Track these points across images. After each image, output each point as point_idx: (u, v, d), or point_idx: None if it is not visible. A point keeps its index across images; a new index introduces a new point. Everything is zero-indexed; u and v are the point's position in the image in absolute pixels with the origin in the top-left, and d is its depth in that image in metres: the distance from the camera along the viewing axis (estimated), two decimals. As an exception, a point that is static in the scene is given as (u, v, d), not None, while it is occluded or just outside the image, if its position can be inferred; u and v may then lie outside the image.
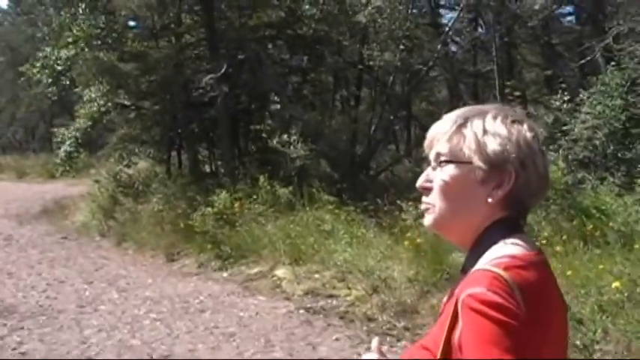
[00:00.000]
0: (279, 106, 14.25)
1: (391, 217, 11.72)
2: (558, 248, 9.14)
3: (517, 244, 1.74)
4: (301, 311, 9.28)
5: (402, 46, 19.46)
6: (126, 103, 16.95)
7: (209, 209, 12.59)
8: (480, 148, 1.78)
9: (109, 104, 16.50)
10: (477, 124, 1.81)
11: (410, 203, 11.44)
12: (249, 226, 12.30)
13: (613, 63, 12.58)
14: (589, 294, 7.57)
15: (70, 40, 16.43)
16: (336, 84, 21.51)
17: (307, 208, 12.44)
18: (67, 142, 16.72)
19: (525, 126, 1.81)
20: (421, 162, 2.01)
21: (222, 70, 14.31)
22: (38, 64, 17.39)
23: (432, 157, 1.87)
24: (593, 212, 10.04)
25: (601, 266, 8.16)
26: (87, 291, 10.90)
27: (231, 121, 15.97)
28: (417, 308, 8.86)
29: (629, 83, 12.05)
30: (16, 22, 43.86)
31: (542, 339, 1.62)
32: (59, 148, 18.06)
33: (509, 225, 1.79)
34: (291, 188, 13.21)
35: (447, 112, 1.93)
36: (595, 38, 15.51)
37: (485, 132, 1.79)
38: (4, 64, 41.88)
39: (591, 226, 9.66)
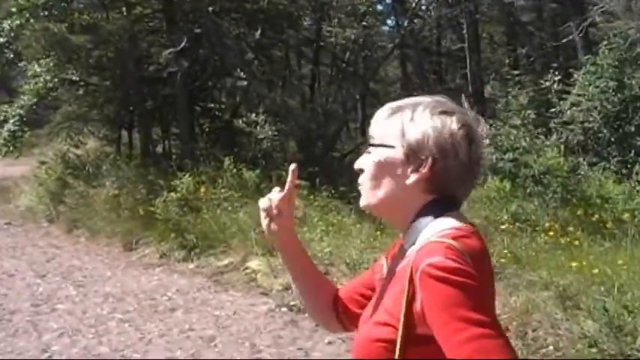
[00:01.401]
0: (244, 83, 13.22)
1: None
2: (563, 240, 8.45)
3: (454, 219, 1.87)
4: (283, 309, 8.42)
5: (364, 23, 18.71)
6: (74, 78, 15.75)
7: (172, 194, 11.57)
8: (403, 134, 1.91)
9: (56, 80, 15.30)
10: (406, 113, 1.94)
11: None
12: (214, 213, 11.36)
13: (605, 42, 11.88)
14: (610, 292, 6.87)
15: (14, 9, 15.21)
16: (288, 61, 20.64)
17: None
18: (11, 121, 15.47)
19: (454, 118, 1.90)
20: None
21: (183, 44, 13.25)
22: (-22, 36, 16.11)
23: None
24: (596, 201, 9.34)
25: (620, 261, 7.45)
26: (40, 286, 9.86)
27: (189, 98, 14.92)
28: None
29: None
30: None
31: (490, 298, 1.81)
32: (1, 127, 16.83)
33: (440, 206, 1.91)
34: (258, 171, 12.27)
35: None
36: (573, 17, 14.87)
37: (411, 120, 1.92)
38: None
39: (596, 216, 8.96)
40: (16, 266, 11.11)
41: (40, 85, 15.20)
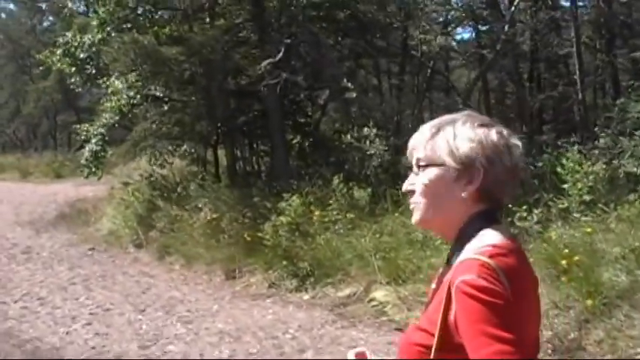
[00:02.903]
0: (353, 95, 12.12)
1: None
2: None
3: (496, 234, 2.00)
4: (426, 348, 7.24)
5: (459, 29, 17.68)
6: (157, 94, 14.79)
7: (281, 218, 10.49)
8: (452, 151, 2.04)
9: (138, 96, 14.39)
10: (448, 131, 2.07)
11: (524, 207, 9.53)
12: (325, 237, 10.27)
13: None
14: None
15: (94, 23, 14.38)
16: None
17: (396, 214, 10.38)
18: (93, 140, 14.56)
19: (493, 129, 2.07)
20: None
21: (280, 55, 12.20)
22: (59, 52, 15.27)
23: (413, 163, 2.14)
24: None
25: None
26: (142, 323, 8.86)
27: (282, 113, 13.87)
28: (580, 343, 6.94)
29: None
30: (15, 13, 41.57)
31: (526, 313, 1.91)
32: (81, 147, 16.05)
33: (486, 217, 2.05)
34: (370, 190, 11.16)
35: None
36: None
37: (455, 137, 2.05)
38: (3, 57, 39.51)
39: None
40: (110, 299, 10.14)
41: (123, 102, 14.33)
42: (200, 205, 12.95)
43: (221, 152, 16.21)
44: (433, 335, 1.92)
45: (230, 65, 13.59)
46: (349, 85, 12.04)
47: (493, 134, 2.04)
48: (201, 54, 12.68)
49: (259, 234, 10.55)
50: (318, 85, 14.65)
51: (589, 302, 6.99)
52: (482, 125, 2.06)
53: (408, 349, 2.04)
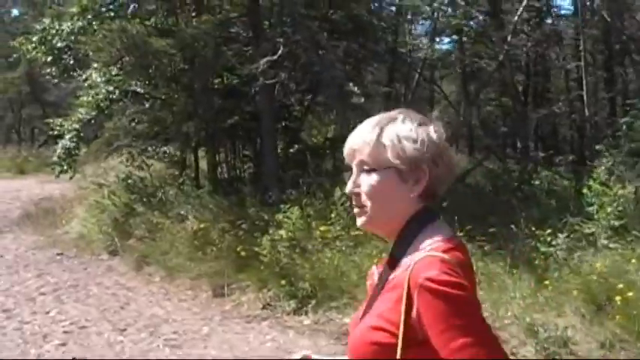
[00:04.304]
0: (362, 100, 11.16)
1: (521, 246, 8.95)
2: None
3: (442, 230, 2.06)
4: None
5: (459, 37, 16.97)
6: (138, 90, 13.71)
7: (281, 232, 9.50)
8: (399, 154, 2.03)
9: (117, 91, 13.34)
10: (391, 131, 2.05)
11: (548, 230, 8.78)
12: (328, 255, 9.29)
13: None
14: None
15: (74, 10, 13.32)
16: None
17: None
18: (67, 137, 13.48)
19: (431, 127, 2.09)
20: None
21: (280, 53, 11.22)
22: (35, 39, 14.14)
23: (355, 164, 2.11)
24: None
25: None
26: (124, 345, 7.84)
27: (276, 117, 12.88)
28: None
29: None
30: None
31: (479, 305, 1.96)
32: (46, 142, 14.98)
33: (428, 214, 2.08)
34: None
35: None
36: None
37: (400, 138, 2.04)
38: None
39: None
40: (85, 314, 9.10)
41: (101, 96, 13.27)
42: (183, 212, 11.92)
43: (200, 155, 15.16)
44: (392, 334, 1.94)
45: (221, 62, 12.57)
46: (355, 89, 11.08)
47: (433, 133, 2.08)
48: (193, 48, 11.65)
49: (256, 248, 9.54)
50: (316, 89, 13.67)
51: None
52: (421, 124, 2.09)
53: (363, 348, 2.01)
